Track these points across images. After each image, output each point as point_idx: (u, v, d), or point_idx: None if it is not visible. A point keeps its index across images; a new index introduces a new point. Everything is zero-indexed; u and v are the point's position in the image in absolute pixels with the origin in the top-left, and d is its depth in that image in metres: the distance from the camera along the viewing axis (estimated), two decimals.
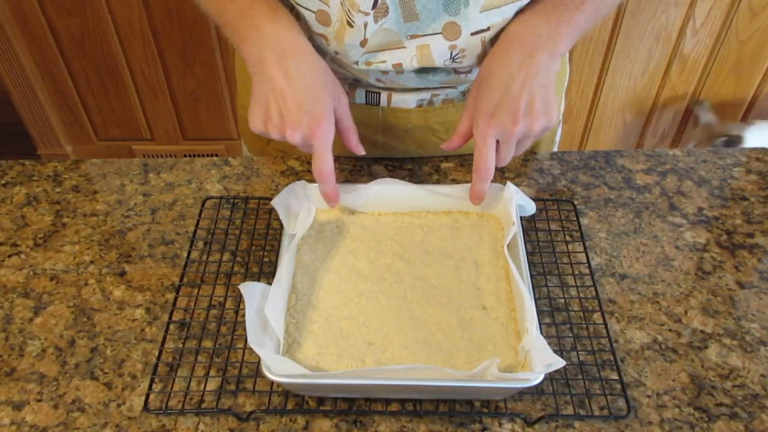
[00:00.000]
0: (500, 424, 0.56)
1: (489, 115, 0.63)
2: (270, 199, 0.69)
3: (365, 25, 0.66)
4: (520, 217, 0.70)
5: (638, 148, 1.96)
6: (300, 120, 0.62)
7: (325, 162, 0.64)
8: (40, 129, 2.02)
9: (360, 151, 0.69)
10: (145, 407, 0.57)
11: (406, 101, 0.79)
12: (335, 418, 0.57)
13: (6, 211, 0.78)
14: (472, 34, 0.68)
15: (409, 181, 0.76)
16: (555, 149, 0.98)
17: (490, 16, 0.66)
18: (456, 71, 0.75)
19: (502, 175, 0.82)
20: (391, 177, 0.80)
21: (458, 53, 0.70)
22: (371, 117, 0.81)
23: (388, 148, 0.85)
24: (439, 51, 0.69)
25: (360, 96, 0.80)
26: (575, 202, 0.77)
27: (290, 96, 0.62)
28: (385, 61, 0.71)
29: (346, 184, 0.73)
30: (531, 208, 0.73)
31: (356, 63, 0.71)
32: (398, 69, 0.71)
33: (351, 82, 0.79)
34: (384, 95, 0.79)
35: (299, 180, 0.72)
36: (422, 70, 0.74)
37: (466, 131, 0.67)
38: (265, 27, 0.63)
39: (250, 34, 0.64)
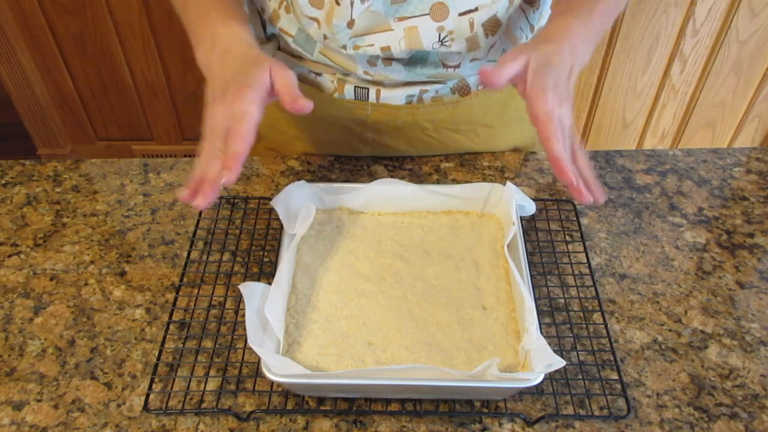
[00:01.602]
0: (500, 424, 0.56)
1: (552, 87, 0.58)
2: (270, 199, 0.69)
3: (351, 4, 0.66)
4: (520, 217, 0.70)
5: (638, 148, 1.96)
6: (224, 94, 0.58)
7: (250, 117, 0.57)
8: (40, 129, 2.02)
9: (300, 106, 0.59)
10: (145, 407, 0.57)
11: (395, 97, 0.79)
12: (335, 418, 0.57)
13: (6, 211, 0.78)
14: (460, 14, 0.68)
15: (409, 181, 0.76)
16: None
17: None
18: (444, 64, 0.75)
19: (502, 175, 0.82)
20: (391, 177, 0.80)
21: (446, 35, 0.70)
22: (360, 113, 0.81)
23: (377, 145, 0.85)
24: (427, 33, 0.69)
25: (348, 92, 0.80)
26: (575, 202, 0.77)
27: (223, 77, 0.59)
28: (373, 45, 0.71)
29: (347, 184, 0.73)
30: (531, 208, 0.73)
31: (344, 47, 0.71)
32: (387, 53, 0.71)
33: (340, 76, 0.79)
34: (372, 91, 0.79)
35: (299, 180, 0.71)
36: (411, 62, 0.74)
37: (518, 70, 0.59)
38: (218, 34, 0.63)
39: (205, 41, 0.63)
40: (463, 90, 0.80)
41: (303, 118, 0.83)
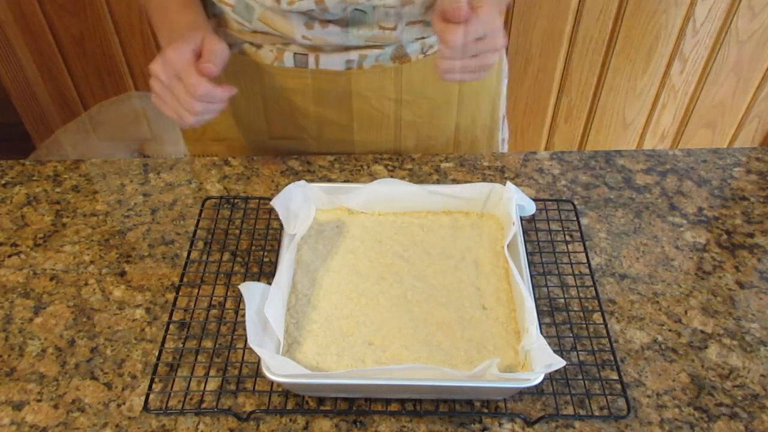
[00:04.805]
0: (500, 424, 0.56)
1: None
2: (270, 199, 0.69)
3: None
4: (520, 217, 0.70)
5: (638, 148, 1.96)
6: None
7: (182, 52, 0.64)
8: (40, 129, 2.02)
9: (206, 68, 0.64)
10: (145, 407, 0.57)
11: (334, 62, 0.79)
12: (335, 418, 0.57)
13: (6, 211, 0.78)
14: None
15: (409, 181, 0.76)
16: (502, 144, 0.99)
17: None
18: (381, 27, 0.75)
19: (502, 175, 0.82)
20: (391, 177, 0.80)
21: None
22: (301, 81, 0.81)
23: (321, 121, 0.85)
24: None
25: (288, 59, 0.80)
26: (575, 202, 0.77)
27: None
28: None
29: (347, 184, 0.73)
30: (531, 208, 0.73)
31: (279, 1, 0.72)
32: (321, 6, 0.71)
33: (279, 46, 0.79)
34: (312, 57, 0.79)
35: (299, 180, 0.72)
36: (347, 24, 0.74)
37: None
38: (175, 22, 0.72)
39: (164, 28, 0.74)
40: (402, 58, 0.80)
41: (242, 93, 0.83)
